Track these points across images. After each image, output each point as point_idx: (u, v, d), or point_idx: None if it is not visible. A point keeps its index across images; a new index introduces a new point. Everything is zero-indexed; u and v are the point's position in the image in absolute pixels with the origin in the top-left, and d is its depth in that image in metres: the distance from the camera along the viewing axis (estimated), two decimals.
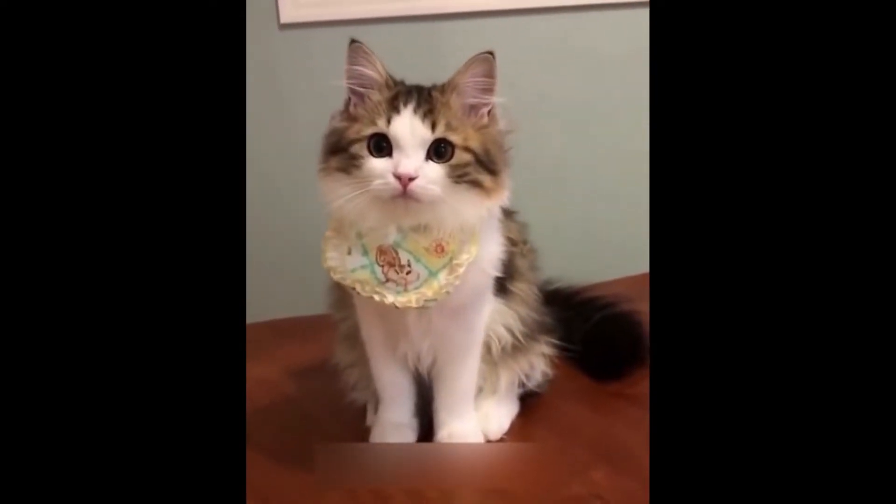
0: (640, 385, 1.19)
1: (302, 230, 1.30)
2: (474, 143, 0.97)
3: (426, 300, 0.98)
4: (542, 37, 1.83)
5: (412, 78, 1.01)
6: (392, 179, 0.94)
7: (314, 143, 1.02)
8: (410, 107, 0.95)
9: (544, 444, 1.11)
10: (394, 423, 1.10)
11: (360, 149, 0.96)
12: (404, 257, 0.97)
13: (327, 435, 1.15)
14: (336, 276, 1.01)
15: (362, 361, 1.12)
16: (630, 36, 1.73)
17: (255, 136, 1.29)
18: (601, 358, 1.28)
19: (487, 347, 1.10)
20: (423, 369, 1.09)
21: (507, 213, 1.07)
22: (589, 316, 1.32)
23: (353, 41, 0.98)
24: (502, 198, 1.00)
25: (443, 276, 0.97)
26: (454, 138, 0.96)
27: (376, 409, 1.13)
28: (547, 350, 1.17)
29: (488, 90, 0.98)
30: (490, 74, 0.97)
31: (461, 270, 0.97)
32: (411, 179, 0.93)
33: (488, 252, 1.02)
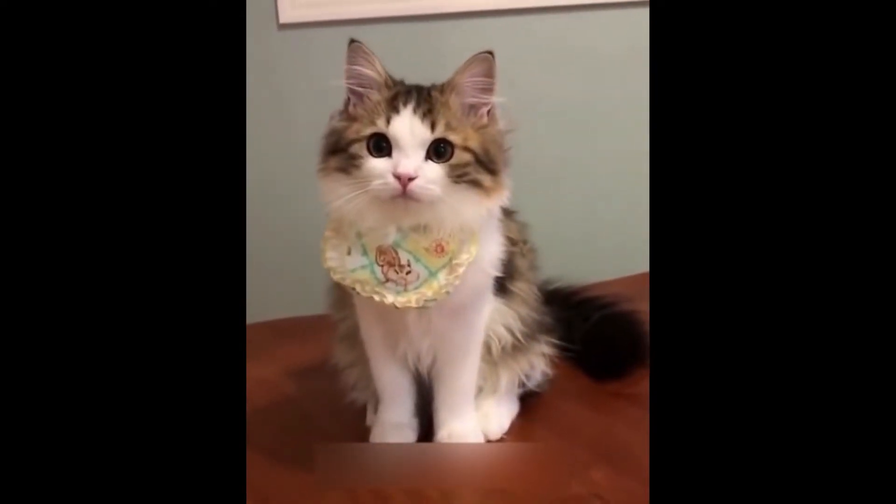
0: (640, 385, 1.20)
1: (302, 230, 1.29)
2: (474, 143, 0.97)
3: (426, 300, 0.98)
4: (542, 36, 1.83)
5: (412, 78, 1.01)
6: (392, 179, 0.93)
7: (314, 143, 1.02)
8: (410, 107, 0.95)
9: (544, 444, 1.12)
10: (394, 423, 1.10)
11: (360, 149, 0.96)
12: (404, 257, 0.97)
13: (327, 435, 1.15)
14: (336, 277, 1.01)
15: (362, 361, 1.12)
16: (630, 35, 1.73)
17: (255, 136, 1.29)
18: (601, 357, 1.28)
19: (487, 347, 1.10)
20: (423, 369, 1.09)
21: (507, 213, 1.07)
22: (589, 315, 1.32)
23: (352, 41, 0.98)
24: (502, 197, 1.00)
25: (443, 276, 0.97)
26: (454, 138, 0.96)
27: (376, 409, 1.13)
28: (547, 350, 1.17)
29: (488, 90, 0.98)
30: (489, 74, 0.97)
31: (461, 270, 0.97)
32: (411, 179, 0.93)
33: (488, 252, 1.02)
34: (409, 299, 0.98)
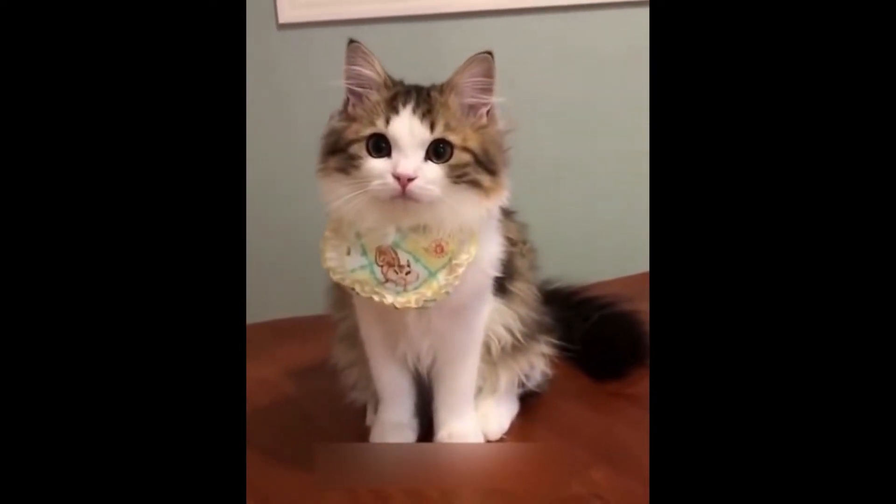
0: (640, 385, 1.20)
1: (302, 230, 1.29)
2: (473, 144, 0.97)
3: (425, 300, 0.98)
4: (542, 36, 1.83)
5: (411, 78, 1.01)
6: (391, 180, 0.93)
7: (313, 143, 1.02)
8: (409, 107, 0.95)
9: (544, 444, 1.11)
10: (393, 423, 1.10)
11: (359, 149, 0.96)
12: (403, 257, 0.97)
13: (327, 435, 1.15)
14: (335, 277, 1.01)
15: (361, 361, 1.12)
16: (630, 35, 1.73)
17: (254, 136, 1.29)
18: (601, 357, 1.28)
19: (487, 347, 1.10)
20: (423, 369, 1.09)
21: (507, 213, 1.07)
22: (588, 315, 1.32)
23: (351, 41, 0.98)
24: (501, 198, 1.00)
25: (442, 277, 0.97)
26: (453, 138, 0.96)
27: (376, 409, 1.13)
28: (546, 350, 1.17)
29: (487, 90, 0.98)
30: (489, 74, 0.97)
31: (460, 271, 0.97)
32: (410, 180, 0.93)
33: (488, 252, 1.02)
34: (409, 300, 0.98)
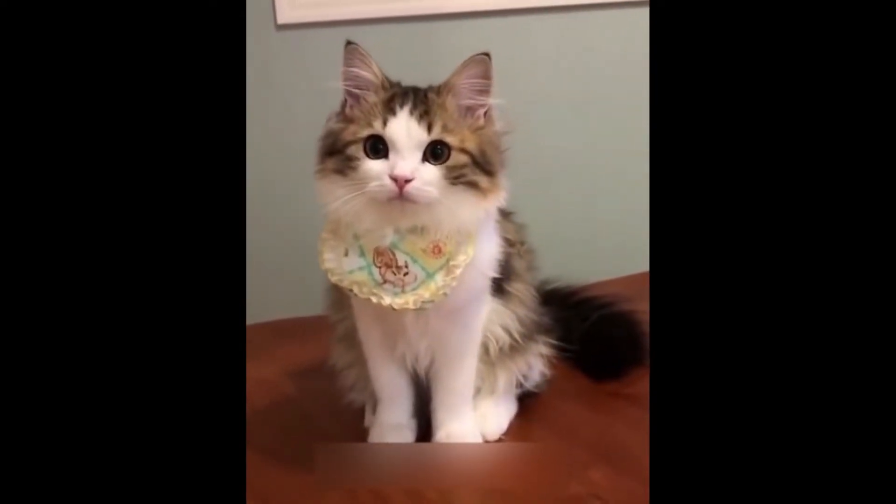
0: (640, 385, 1.20)
1: (301, 230, 1.29)
2: (471, 145, 0.97)
3: (423, 301, 0.98)
4: (542, 36, 1.83)
5: (409, 79, 1.01)
6: (388, 181, 0.93)
7: (312, 144, 1.02)
8: (406, 108, 0.95)
9: (543, 444, 1.12)
10: (392, 424, 1.10)
11: (357, 151, 0.96)
12: (401, 259, 0.97)
13: (327, 435, 1.15)
14: (333, 278, 1.01)
15: (360, 362, 1.12)
16: (629, 35, 1.73)
17: (253, 136, 1.29)
18: (599, 357, 1.28)
19: (485, 348, 1.10)
20: (421, 370, 1.09)
21: (505, 214, 1.07)
22: (587, 315, 1.32)
23: (348, 43, 0.98)
24: (499, 199, 0.99)
25: (440, 278, 0.97)
26: (450, 140, 0.96)
27: (374, 410, 1.13)
28: (545, 350, 1.17)
29: (484, 91, 0.98)
30: (486, 76, 0.97)
31: (458, 272, 0.97)
32: (408, 181, 0.93)
33: (486, 253, 1.02)
34: (407, 301, 0.98)
